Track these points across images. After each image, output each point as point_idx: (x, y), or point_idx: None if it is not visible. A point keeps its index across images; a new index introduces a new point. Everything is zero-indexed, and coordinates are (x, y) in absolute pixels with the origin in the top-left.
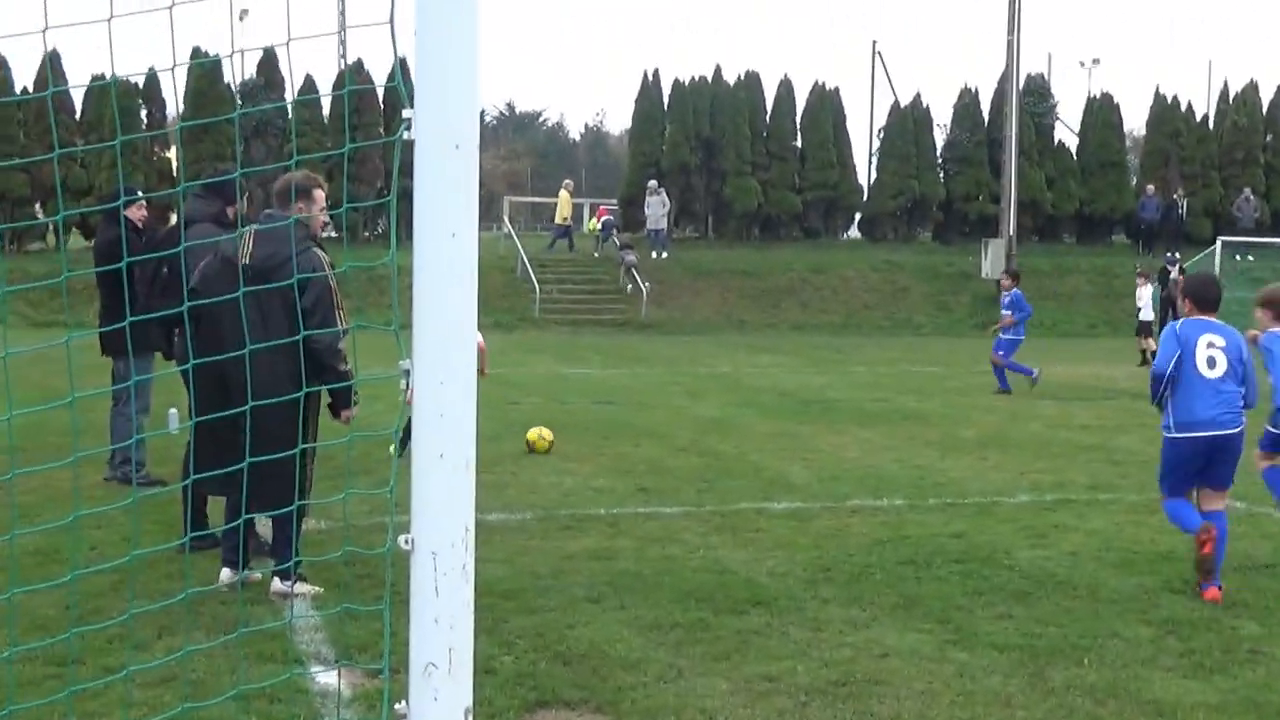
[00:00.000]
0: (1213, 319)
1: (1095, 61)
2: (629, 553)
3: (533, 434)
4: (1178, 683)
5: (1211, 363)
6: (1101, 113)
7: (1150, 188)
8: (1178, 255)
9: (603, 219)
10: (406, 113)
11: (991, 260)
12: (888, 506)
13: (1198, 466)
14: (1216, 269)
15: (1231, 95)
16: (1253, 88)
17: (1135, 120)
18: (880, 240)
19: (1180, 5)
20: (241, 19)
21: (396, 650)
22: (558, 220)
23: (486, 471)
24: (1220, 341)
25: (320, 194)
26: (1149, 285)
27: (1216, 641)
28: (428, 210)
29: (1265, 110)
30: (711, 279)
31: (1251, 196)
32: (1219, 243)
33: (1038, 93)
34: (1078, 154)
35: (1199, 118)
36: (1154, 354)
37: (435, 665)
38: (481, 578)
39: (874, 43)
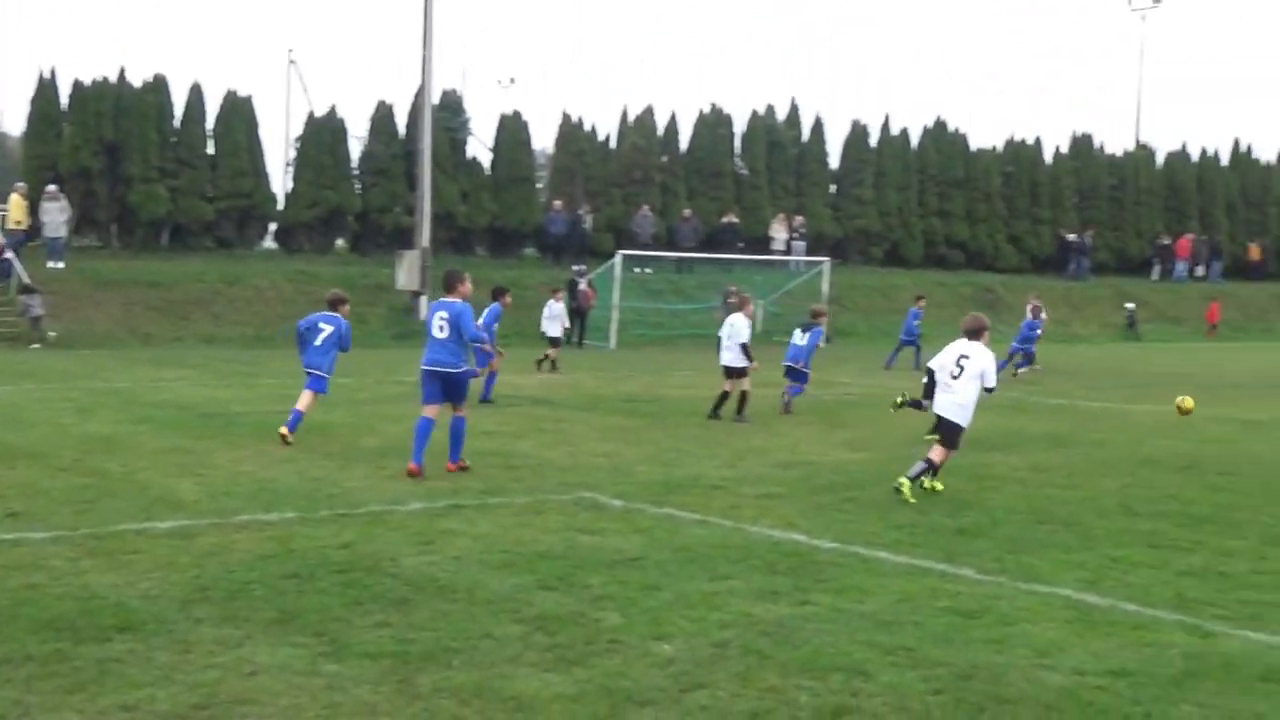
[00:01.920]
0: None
1: (511, 80)
2: None
3: None
4: (539, 677)
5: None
6: (513, 130)
7: (558, 203)
8: (584, 268)
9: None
10: None
11: (406, 272)
12: (278, 520)
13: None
14: (616, 280)
15: (631, 118)
16: (649, 112)
17: (545, 139)
18: (296, 251)
19: (587, 31)
20: None
21: None
22: None
23: None
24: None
25: None
26: (559, 300)
27: (580, 634)
28: None
29: (661, 133)
30: (114, 290)
31: (649, 213)
32: (619, 256)
33: (452, 108)
34: (491, 169)
35: (602, 138)
36: (550, 361)
37: None
38: None
39: (289, 52)
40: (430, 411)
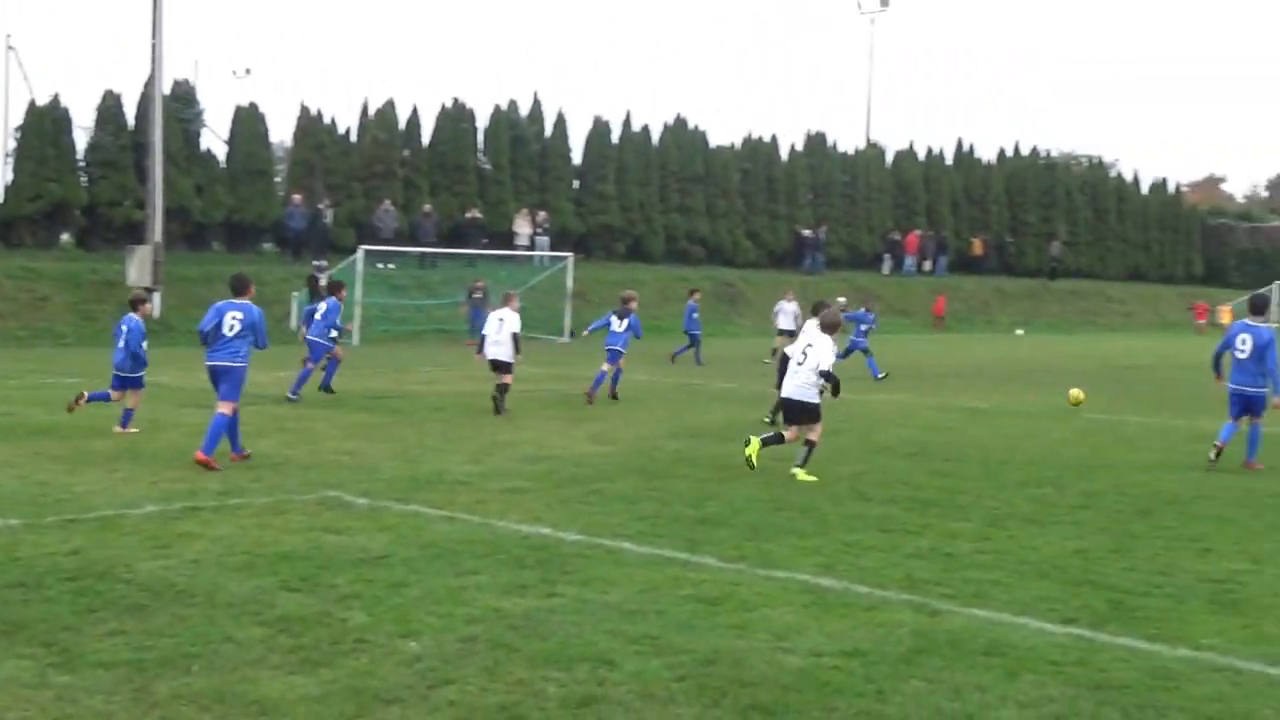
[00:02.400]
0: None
1: (247, 71)
2: None
3: None
4: (284, 679)
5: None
6: (250, 122)
7: (297, 197)
8: (324, 262)
9: None
10: None
11: (137, 268)
12: (2, 528)
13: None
14: (359, 275)
15: (372, 111)
16: (391, 105)
17: (283, 131)
18: (18, 246)
19: (326, 21)
20: None
21: None
22: None
23: None
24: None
25: None
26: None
27: (326, 635)
28: None
29: (403, 127)
30: None
31: (391, 208)
32: (360, 251)
33: (185, 99)
34: (226, 162)
35: (342, 131)
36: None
37: None
38: None
39: (7, 37)
40: (225, 409)
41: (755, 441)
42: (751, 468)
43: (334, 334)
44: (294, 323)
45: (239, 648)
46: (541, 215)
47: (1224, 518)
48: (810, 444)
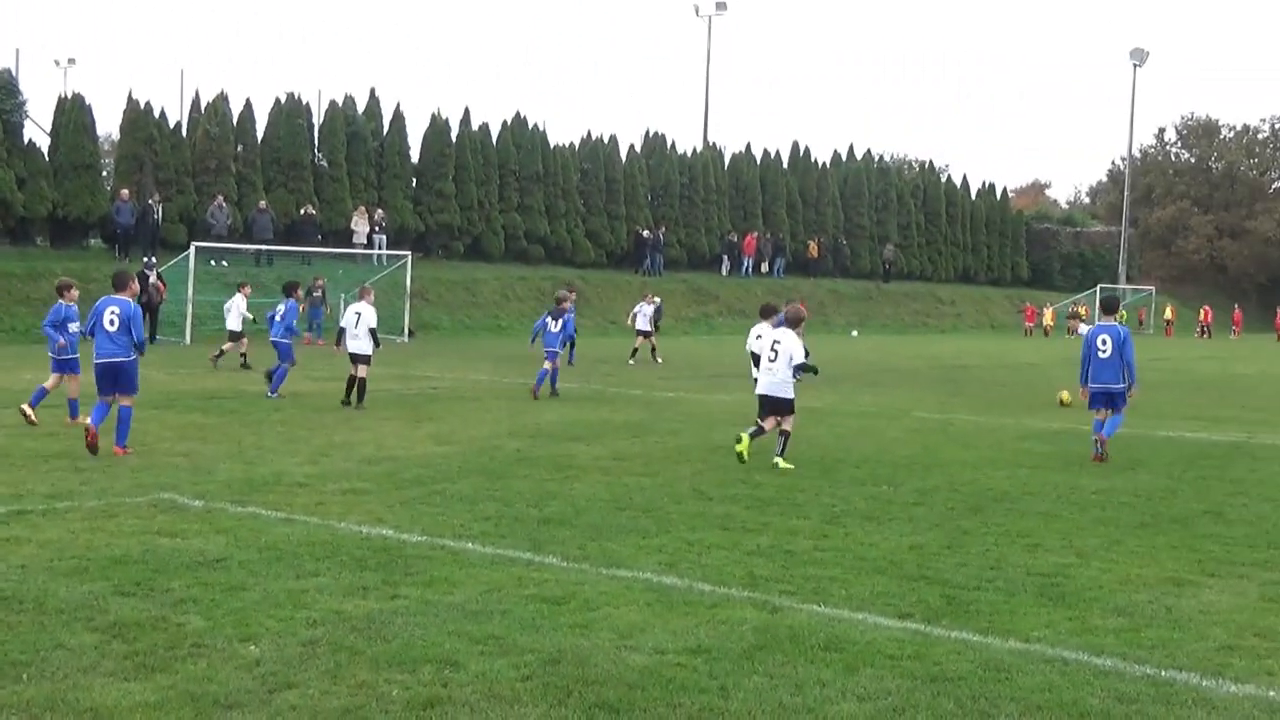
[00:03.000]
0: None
1: (71, 61)
2: None
3: None
4: (119, 686)
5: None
6: (74, 113)
7: (125, 192)
8: (154, 259)
9: None
10: None
11: None
12: None
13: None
14: (191, 273)
15: (203, 105)
16: (223, 98)
17: (110, 124)
18: None
19: (154, 9)
20: None
21: None
22: None
23: None
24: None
25: None
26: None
27: (162, 640)
28: None
29: (236, 121)
30: None
31: (224, 204)
32: (193, 248)
33: (5, 89)
34: (50, 155)
35: (172, 125)
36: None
37: None
38: None
39: None
40: (105, 399)
41: (745, 437)
42: (742, 462)
43: (290, 335)
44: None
45: (71, 654)
46: (379, 213)
47: (1050, 514)
48: (785, 434)
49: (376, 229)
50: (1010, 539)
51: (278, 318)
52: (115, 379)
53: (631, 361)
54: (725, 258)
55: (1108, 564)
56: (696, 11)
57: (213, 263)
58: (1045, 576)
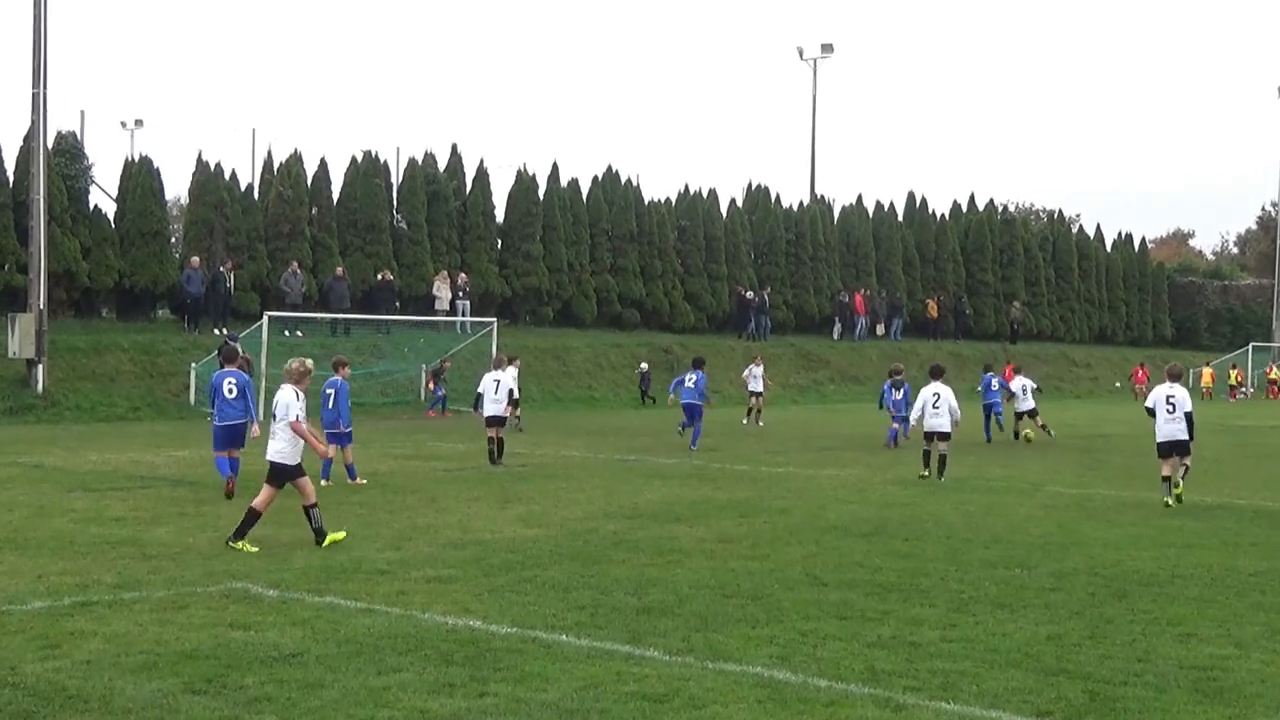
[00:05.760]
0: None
1: (138, 123)
2: None
3: None
4: None
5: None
6: (142, 177)
7: (195, 259)
8: (237, 334)
9: None
10: None
11: (20, 338)
12: None
13: None
14: (264, 345)
15: (276, 165)
16: (297, 158)
17: (178, 187)
18: None
19: (224, 68)
20: None
21: None
22: None
23: None
24: None
25: None
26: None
27: None
28: None
29: (310, 182)
30: None
31: (298, 270)
32: (266, 318)
33: (70, 153)
34: (116, 221)
35: (244, 187)
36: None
37: None
38: None
39: None
40: (222, 454)
41: (1169, 499)
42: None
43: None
44: (193, 397)
45: None
46: (462, 277)
47: (1204, 599)
48: (1186, 467)
49: (459, 294)
50: (1160, 628)
51: (330, 403)
52: (233, 438)
53: (745, 421)
54: (837, 319)
55: (1270, 655)
56: (800, 55)
57: (286, 333)
58: (1200, 670)
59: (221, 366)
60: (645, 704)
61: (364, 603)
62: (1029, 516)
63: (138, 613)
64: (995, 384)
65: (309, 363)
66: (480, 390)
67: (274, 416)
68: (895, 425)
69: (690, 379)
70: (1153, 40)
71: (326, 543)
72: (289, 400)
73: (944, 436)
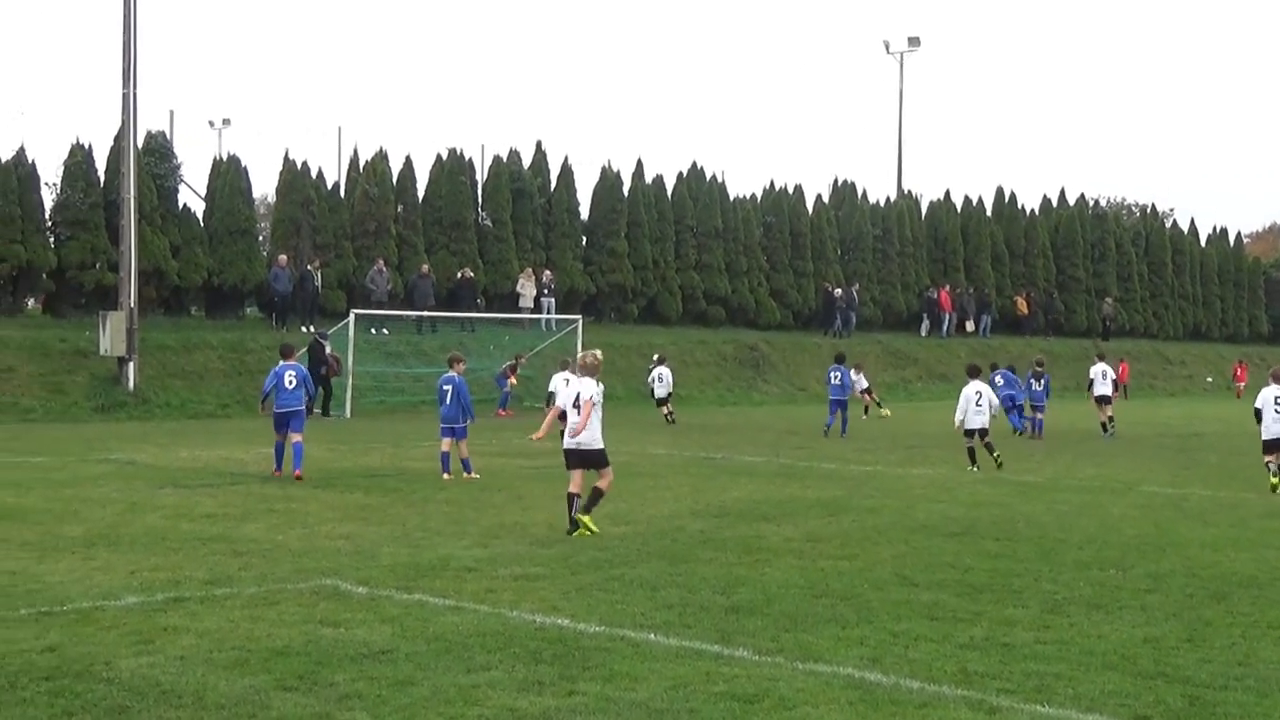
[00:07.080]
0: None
1: (226, 122)
2: None
3: None
4: None
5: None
6: (230, 176)
7: (283, 258)
8: (326, 331)
9: None
10: None
11: (111, 335)
12: None
13: None
14: (350, 342)
15: (362, 164)
16: (382, 156)
17: (266, 186)
18: None
19: (311, 67)
20: None
21: None
22: None
23: None
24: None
25: None
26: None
27: None
28: None
29: (395, 180)
30: None
31: (384, 268)
32: (352, 315)
33: (159, 152)
34: (205, 220)
35: (330, 185)
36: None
37: None
38: None
39: None
40: (280, 437)
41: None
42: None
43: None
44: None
45: None
46: (547, 275)
47: None
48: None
49: (544, 292)
50: (1260, 631)
51: (448, 399)
52: (289, 421)
53: (864, 416)
54: (924, 316)
55: None
56: (887, 48)
57: (373, 330)
58: None
59: (281, 361)
60: (735, 704)
61: (452, 600)
62: (1123, 516)
63: (229, 609)
64: (1000, 380)
65: (599, 354)
66: (559, 404)
67: (575, 409)
68: (1039, 415)
69: (835, 375)
70: (1247, 32)
71: (577, 534)
72: (593, 390)
73: (984, 433)
